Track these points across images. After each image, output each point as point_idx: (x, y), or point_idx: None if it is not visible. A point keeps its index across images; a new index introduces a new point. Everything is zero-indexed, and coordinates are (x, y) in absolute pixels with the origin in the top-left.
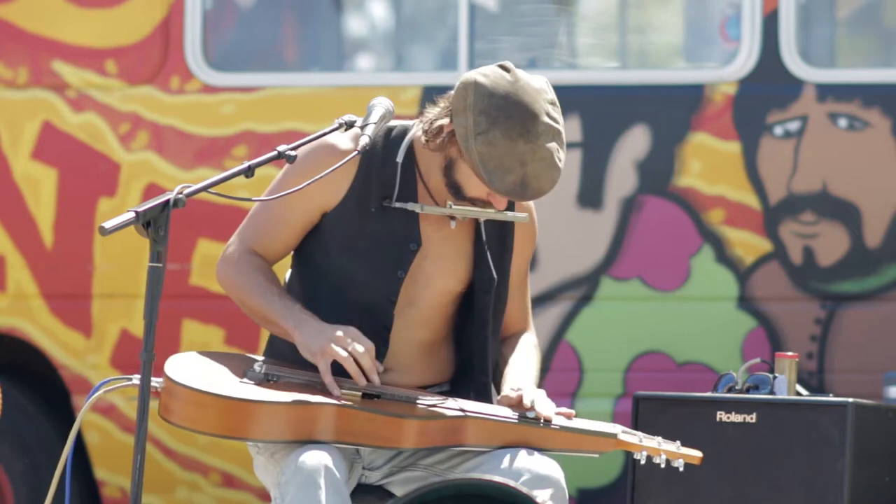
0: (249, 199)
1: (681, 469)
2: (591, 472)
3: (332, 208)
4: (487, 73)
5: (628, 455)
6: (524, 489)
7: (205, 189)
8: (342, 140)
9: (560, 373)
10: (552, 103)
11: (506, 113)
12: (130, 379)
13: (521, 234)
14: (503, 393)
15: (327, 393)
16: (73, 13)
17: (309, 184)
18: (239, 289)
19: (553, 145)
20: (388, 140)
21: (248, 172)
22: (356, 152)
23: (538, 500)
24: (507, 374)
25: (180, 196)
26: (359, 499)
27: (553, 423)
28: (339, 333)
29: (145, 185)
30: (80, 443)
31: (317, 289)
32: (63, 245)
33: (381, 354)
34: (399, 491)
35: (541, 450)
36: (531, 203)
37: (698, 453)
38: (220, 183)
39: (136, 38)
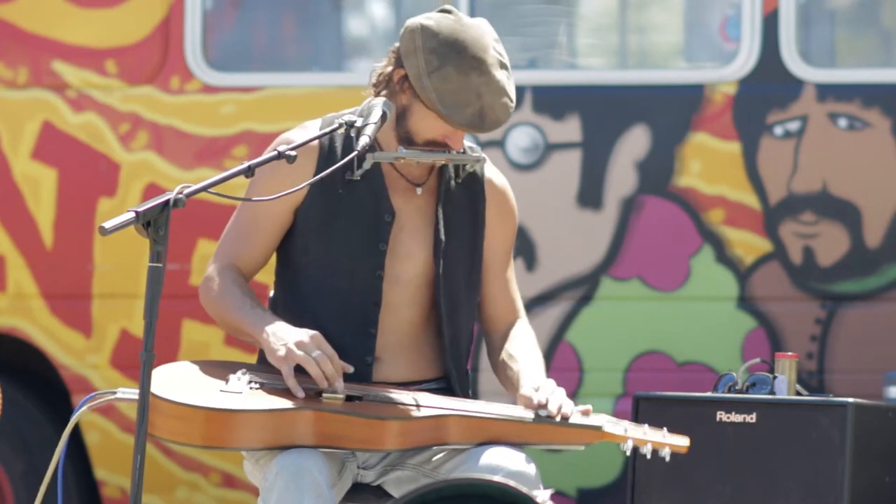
0: (249, 199)
1: (667, 459)
2: (591, 472)
3: (301, 201)
4: (431, 17)
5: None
6: (524, 489)
7: (205, 189)
8: (295, 134)
9: (560, 373)
10: (496, 40)
11: (455, 49)
12: (115, 392)
13: (496, 212)
14: (521, 391)
15: (308, 398)
16: (73, 13)
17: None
18: (217, 304)
19: (503, 75)
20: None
21: (248, 172)
22: (357, 152)
23: (538, 500)
24: (521, 371)
25: (180, 196)
26: (357, 498)
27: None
28: (303, 339)
29: (145, 185)
30: (80, 443)
31: (301, 290)
32: (63, 245)
33: (371, 337)
34: (394, 490)
35: (526, 444)
36: (509, 192)
37: (685, 441)
38: (220, 183)
39: (136, 38)
